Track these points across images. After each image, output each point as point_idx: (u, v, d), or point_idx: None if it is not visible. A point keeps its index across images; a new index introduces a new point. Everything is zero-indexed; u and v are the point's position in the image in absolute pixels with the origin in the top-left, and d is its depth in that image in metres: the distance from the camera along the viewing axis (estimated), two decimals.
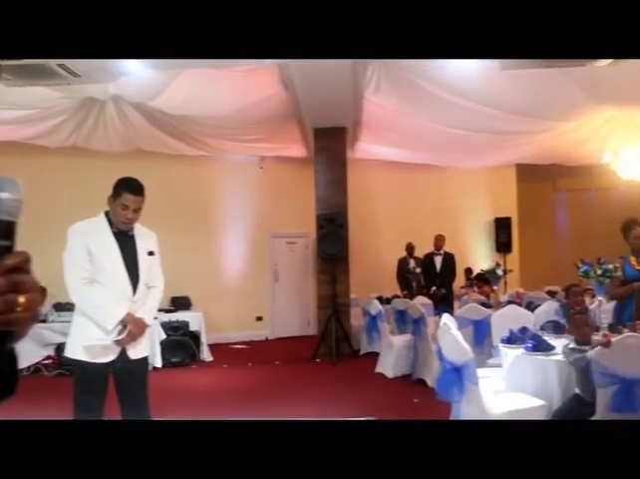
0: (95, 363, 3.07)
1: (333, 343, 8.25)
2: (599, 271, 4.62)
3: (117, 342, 3.10)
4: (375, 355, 7.82)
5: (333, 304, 8.48)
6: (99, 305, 3.07)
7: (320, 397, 6.23)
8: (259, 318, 11.05)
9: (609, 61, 5.93)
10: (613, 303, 5.00)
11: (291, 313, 11.26)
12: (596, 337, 3.92)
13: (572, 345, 3.75)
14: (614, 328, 4.31)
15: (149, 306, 3.28)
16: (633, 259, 4.79)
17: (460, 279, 10.09)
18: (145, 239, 3.31)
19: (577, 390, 3.70)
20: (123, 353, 3.15)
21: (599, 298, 4.84)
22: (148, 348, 3.41)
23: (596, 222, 11.47)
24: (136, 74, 6.06)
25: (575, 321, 3.84)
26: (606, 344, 3.47)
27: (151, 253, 3.30)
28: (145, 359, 3.34)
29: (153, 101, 7.46)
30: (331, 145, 8.80)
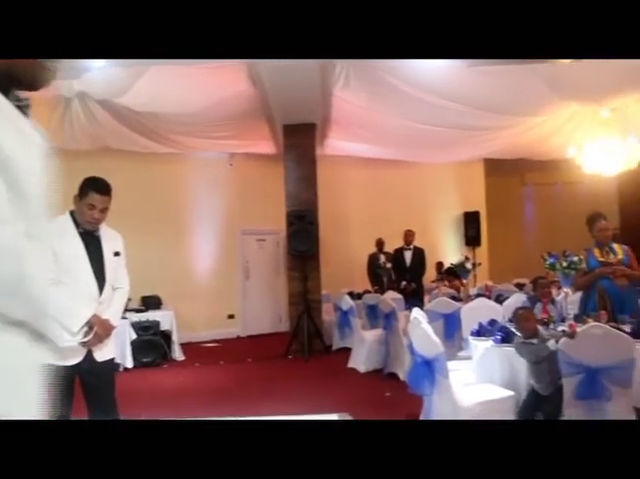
0: (60, 366, 3.03)
1: (305, 340, 8.27)
2: (565, 264, 4.71)
3: (83, 344, 3.06)
4: (347, 350, 7.86)
5: (304, 301, 8.49)
6: (64, 307, 3.02)
7: (293, 394, 6.25)
8: (231, 316, 11.01)
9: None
10: (579, 295, 5.10)
11: (263, 311, 11.24)
12: (561, 328, 4.00)
13: (521, 340, 3.83)
14: (579, 319, 4.40)
15: (114, 308, 3.25)
16: (596, 251, 4.91)
17: (431, 274, 10.19)
18: (111, 239, 3.27)
19: (532, 382, 3.78)
20: (89, 355, 3.11)
21: (565, 290, 4.93)
22: (114, 350, 3.37)
23: (562, 215, 11.70)
24: (100, 71, 5.97)
25: (518, 317, 3.92)
26: (571, 335, 3.55)
27: (117, 254, 3.26)
28: (111, 361, 3.30)
29: (119, 98, 7.36)
30: (300, 141, 8.79)
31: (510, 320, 4.97)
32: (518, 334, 3.95)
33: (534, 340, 3.72)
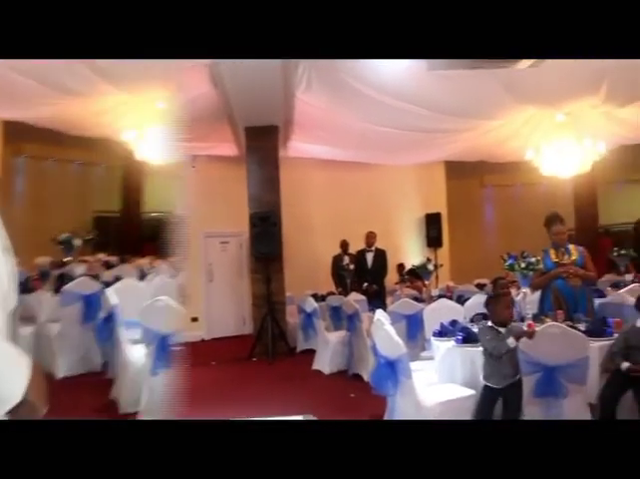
0: None
1: (269, 342, 8.25)
2: (523, 265, 4.84)
3: None
4: (311, 352, 7.88)
5: (268, 303, 8.47)
6: None
7: (258, 396, 6.24)
8: (194, 319, 10.90)
9: (529, 63, 6.21)
10: (537, 294, 5.23)
11: (226, 313, 11.18)
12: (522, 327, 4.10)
13: (490, 324, 3.91)
14: (537, 318, 4.52)
15: None
16: (552, 252, 5.06)
17: (393, 275, 10.28)
18: None
19: (483, 376, 3.86)
20: None
21: (524, 290, 5.06)
22: None
23: (521, 215, 11.95)
24: None
25: (502, 302, 3.93)
26: (531, 335, 3.64)
27: None
28: None
29: None
30: (263, 144, 8.79)
31: (471, 321, 5.08)
32: (483, 322, 4.02)
33: (502, 329, 3.81)
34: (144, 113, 8.25)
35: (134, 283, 6.63)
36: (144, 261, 9.98)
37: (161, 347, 4.36)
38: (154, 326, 4.40)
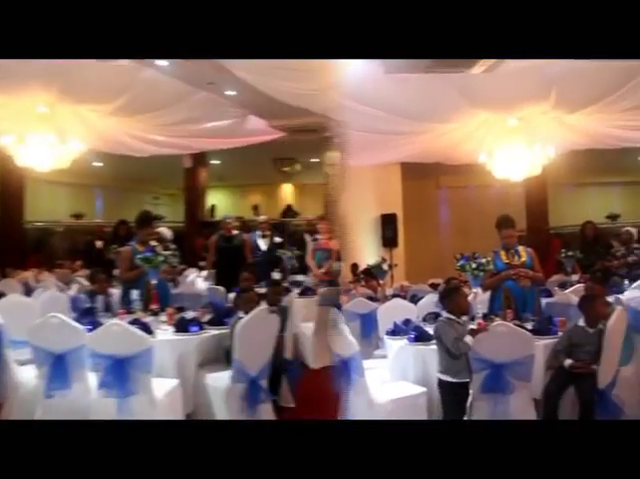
0: None
1: None
2: (474, 266, 4.97)
3: None
4: None
5: None
6: None
7: None
8: None
9: (483, 68, 6.36)
10: (488, 295, 5.37)
11: None
12: (471, 326, 4.21)
13: (450, 317, 4.01)
14: (487, 318, 4.65)
15: None
16: (503, 254, 5.21)
17: (347, 275, 10.34)
18: None
19: (437, 373, 3.98)
20: None
21: (475, 290, 5.19)
22: None
23: (475, 217, 12.17)
24: None
25: (462, 293, 4.15)
26: (482, 331, 3.77)
27: None
28: None
29: None
30: None
31: (424, 320, 5.18)
32: (445, 314, 4.12)
33: (460, 320, 3.99)
34: (24, 116, 7.60)
35: (19, 299, 5.92)
36: (28, 274, 9.22)
37: (56, 368, 3.95)
38: (46, 345, 4.00)
